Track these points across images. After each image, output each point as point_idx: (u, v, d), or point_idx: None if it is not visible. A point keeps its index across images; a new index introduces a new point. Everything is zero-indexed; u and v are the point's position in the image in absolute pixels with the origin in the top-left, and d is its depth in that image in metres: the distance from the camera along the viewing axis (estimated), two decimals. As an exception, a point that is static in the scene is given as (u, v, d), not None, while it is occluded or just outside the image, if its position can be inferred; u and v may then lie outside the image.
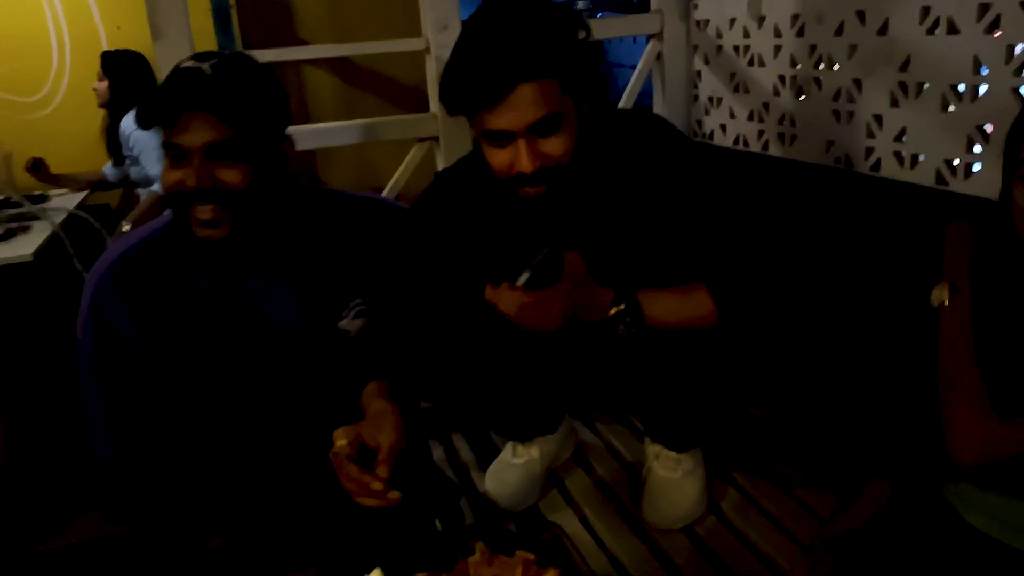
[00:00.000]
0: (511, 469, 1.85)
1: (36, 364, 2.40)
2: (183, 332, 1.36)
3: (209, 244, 1.27)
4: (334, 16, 3.58)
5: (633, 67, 2.54)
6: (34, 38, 3.55)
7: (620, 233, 1.46)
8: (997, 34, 1.55)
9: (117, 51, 3.30)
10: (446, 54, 2.08)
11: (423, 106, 2.39)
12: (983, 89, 1.58)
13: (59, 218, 2.85)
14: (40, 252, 2.57)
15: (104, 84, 3.25)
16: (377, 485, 1.13)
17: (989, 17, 1.55)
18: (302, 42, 3.50)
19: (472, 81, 1.27)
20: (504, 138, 1.31)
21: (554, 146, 1.31)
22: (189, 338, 1.36)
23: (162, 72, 1.89)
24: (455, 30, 2.16)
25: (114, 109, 3.26)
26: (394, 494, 1.13)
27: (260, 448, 1.43)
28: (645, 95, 2.62)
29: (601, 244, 1.46)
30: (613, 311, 1.41)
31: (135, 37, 3.45)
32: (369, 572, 1.08)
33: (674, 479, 1.75)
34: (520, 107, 1.26)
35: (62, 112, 3.66)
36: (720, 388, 1.62)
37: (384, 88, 3.68)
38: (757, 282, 1.42)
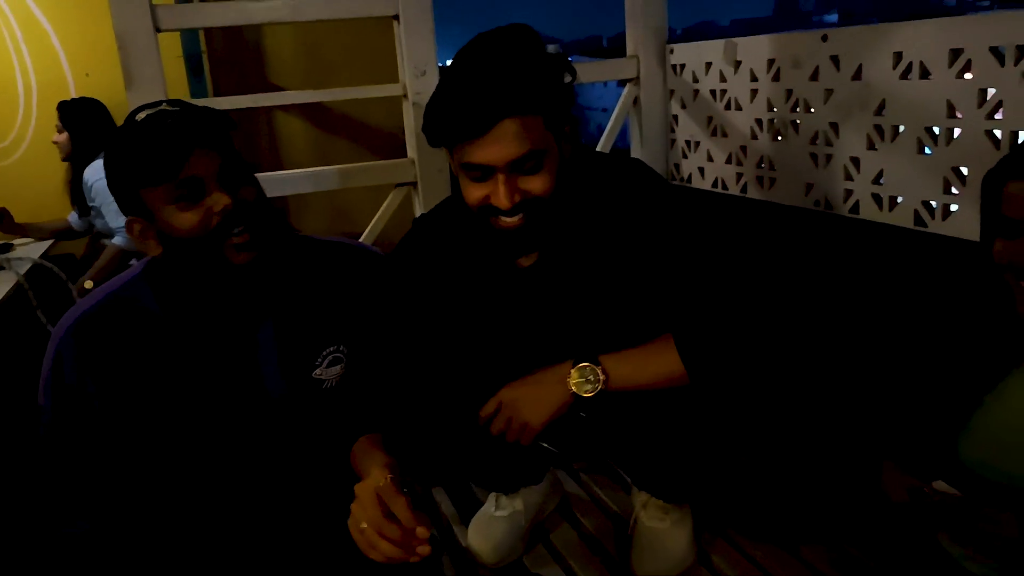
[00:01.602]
0: (495, 522, 1.82)
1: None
2: (150, 391, 1.32)
3: (242, 270, 1.24)
4: (307, 62, 3.63)
5: (603, 110, 2.60)
6: (0, 85, 3.55)
7: (597, 278, 1.47)
8: (968, 76, 1.60)
9: (74, 100, 3.28)
10: (424, 99, 2.11)
11: (398, 152, 2.42)
12: (958, 132, 1.63)
13: (23, 268, 2.83)
14: (3, 303, 2.54)
15: (64, 136, 3.23)
16: (423, 532, 1.09)
17: (960, 62, 1.60)
18: (274, 88, 3.54)
19: (456, 113, 1.28)
20: (484, 172, 1.32)
21: (534, 184, 1.32)
22: (157, 397, 1.32)
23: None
24: (433, 76, 2.20)
25: (76, 160, 3.25)
26: (424, 549, 1.09)
27: (242, 505, 1.41)
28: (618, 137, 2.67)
29: (576, 291, 1.47)
30: (574, 374, 1.44)
31: (104, 85, 3.46)
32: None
33: (662, 529, 1.74)
34: (502, 142, 1.27)
35: (28, 160, 3.64)
36: (707, 434, 1.62)
37: (358, 135, 3.72)
38: (727, 340, 1.42)
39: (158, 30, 1.97)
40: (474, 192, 1.34)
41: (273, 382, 1.37)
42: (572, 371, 1.44)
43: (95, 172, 3.13)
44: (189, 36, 3.18)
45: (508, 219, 1.34)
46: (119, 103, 3.15)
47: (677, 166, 2.59)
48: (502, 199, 1.31)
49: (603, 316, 1.48)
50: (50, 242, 3.40)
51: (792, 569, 1.65)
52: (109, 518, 1.33)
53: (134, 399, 1.31)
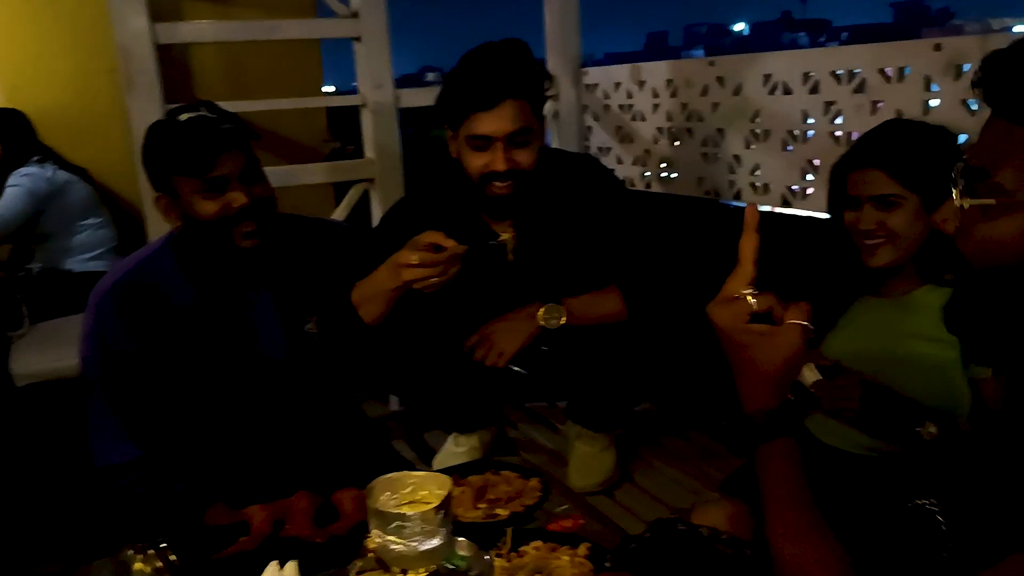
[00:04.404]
0: (456, 457, 2.29)
1: None
2: (172, 345, 1.63)
3: (243, 253, 1.57)
4: (231, 75, 3.92)
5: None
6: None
7: (559, 244, 2.00)
8: (817, 94, 2.23)
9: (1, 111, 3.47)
10: (383, 108, 2.62)
11: (316, 159, 2.79)
12: (811, 133, 2.26)
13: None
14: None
15: None
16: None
17: (811, 82, 2.23)
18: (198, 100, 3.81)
19: (471, 91, 1.80)
20: (486, 142, 1.82)
21: (523, 156, 1.85)
22: (177, 350, 1.64)
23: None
24: (388, 89, 2.66)
25: (3, 169, 3.39)
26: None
27: (251, 441, 1.71)
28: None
29: (543, 254, 1.99)
30: (541, 311, 1.94)
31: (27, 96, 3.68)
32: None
33: (593, 452, 2.25)
34: (504, 117, 1.80)
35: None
36: (629, 382, 2.16)
37: (278, 146, 4.03)
38: (654, 286, 2.01)
39: (158, 45, 2.35)
40: (476, 160, 1.85)
41: (272, 340, 1.70)
42: (541, 309, 1.95)
43: (13, 179, 3.32)
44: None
45: (501, 184, 1.85)
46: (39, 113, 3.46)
47: (589, 170, 3.15)
48: (500, 163, 1.82)
49: (563, 272, 2.00)
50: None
51: (694, 480, 2.20)
52: (152, 446, 1.61)
53: (160, 351, 1.62)
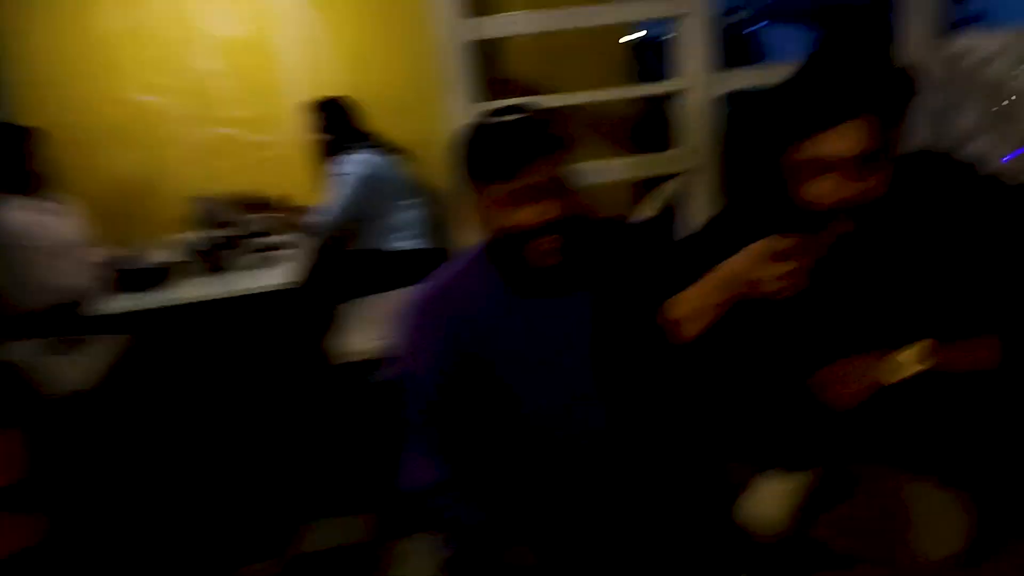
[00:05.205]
0: (779, 496, 2.01)
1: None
2: (486, 358, 1.59)
3: (542, 272, 1.52)
4: (544, 68, 3.95)
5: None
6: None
7: (915, 272, 1.63)
8: None
9: (329, 99, 3.69)
10: (703, 94, 2.39)
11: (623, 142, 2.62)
12: None
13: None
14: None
15: (320, 134, 3.67)
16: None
17: None
18: (523, 92, 3.88)
19: (815, 109, 1.51)
20: (827, 166, 1.52)
21: (871, 183, 1.51)
22: (491, 364, 1.60)
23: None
24: (710, 70, 2.43)
25: (328, 155, 3.66)
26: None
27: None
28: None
29: (894, 283, 1.64)
30: (902, 354, 1.60)
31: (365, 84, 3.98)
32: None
33: (947, 513, 1.85)
34: (850, 137, 1.48)
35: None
36: (995, 437, 1.75)
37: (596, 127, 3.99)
38: None
39: (472, 40, 2.34)
40: (813, 188, 1.54)
41: (580, 360, 1.61)
42: (902, 352, 1.61)
43: (343, 166, 3.54)
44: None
45: (843, 220, 1.53)
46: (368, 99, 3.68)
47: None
48: (842, 193, 1.50)
49: (921, 309, 1.64)
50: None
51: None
52: (458, 472, 1.59)
53: (469, 366, 1.59)
